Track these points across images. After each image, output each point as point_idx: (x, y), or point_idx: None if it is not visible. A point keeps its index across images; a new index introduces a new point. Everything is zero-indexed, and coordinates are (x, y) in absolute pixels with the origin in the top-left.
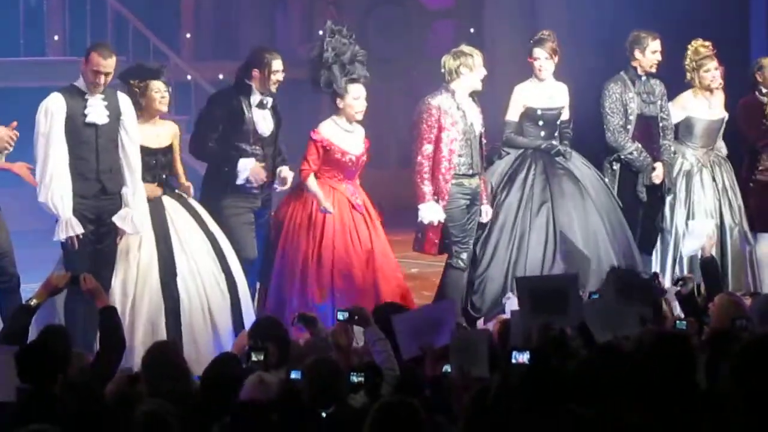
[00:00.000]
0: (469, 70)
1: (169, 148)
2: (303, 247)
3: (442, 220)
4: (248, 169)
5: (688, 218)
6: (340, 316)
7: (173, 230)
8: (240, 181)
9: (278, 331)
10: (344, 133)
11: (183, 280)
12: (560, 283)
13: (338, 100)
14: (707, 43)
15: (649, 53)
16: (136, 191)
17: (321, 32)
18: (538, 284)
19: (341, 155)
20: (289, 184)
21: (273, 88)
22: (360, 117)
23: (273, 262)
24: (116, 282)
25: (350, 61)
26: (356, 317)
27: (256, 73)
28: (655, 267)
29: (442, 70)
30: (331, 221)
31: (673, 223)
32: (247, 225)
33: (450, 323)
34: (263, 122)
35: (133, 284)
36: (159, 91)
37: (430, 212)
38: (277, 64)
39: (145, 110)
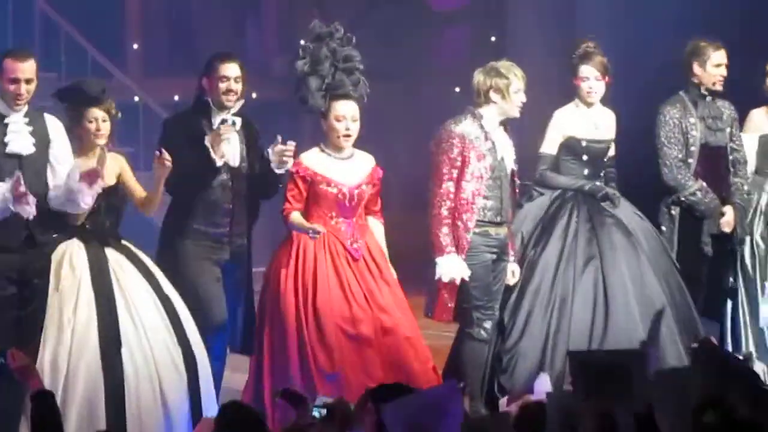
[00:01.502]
0: (501, 97)
1: (115, 188)
2: (293, 306)
3: (466, 278)
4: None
5: None
6: (316, 412)
7: (118, 290)
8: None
9: (250, 420)
10: (333, 162)
11: (129, 351)
12: (624, 360)
13: (322, 122)
14: None
15: (711, 67)
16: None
17: (305, 38)
18: (596, 360)
19: (327, 185)
20: (288, 161)
21: (225, 101)
22: (346, 143)
23: (264, 332)
24: (45, 354)
25: (332, 72)
26: (336, 415)
27: (205, 82)
28: (728, 339)
29: (473, 87)
30: (323, 272)
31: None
32: (213, 283)
33: (456, 410)
34: (229, 147)
35: (66, 356)
36: (94, 120)
37: (451, 267)
38: (226, 69)
39: (78, 141)
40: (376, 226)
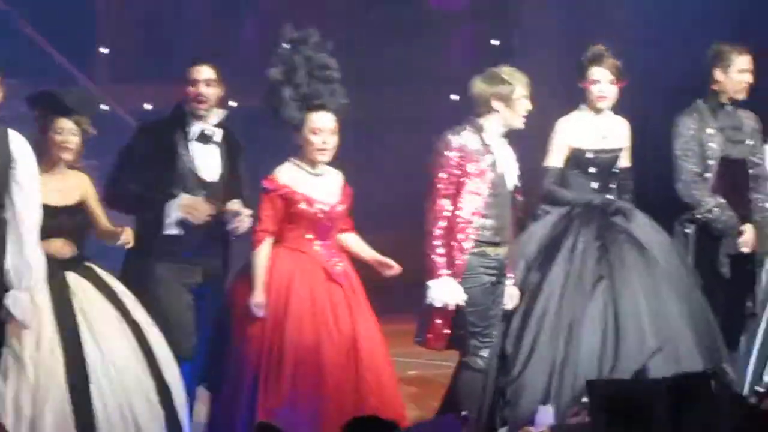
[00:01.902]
0: (504, 105)
1: (78, 208)
2: (258, 335)
3: (461, 302)
4: (177, 205)
5: None
6: None
7: (82, 320)
8: (168, 229)
9: None
10: (309, 178)
11: (98, 387)
12: (642, 391)
13: (297, 135)
14: None
15: (735, 74)
16: (30, 266)
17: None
18: (618, 391)
19: (307, 204)
20: (245, 225)
21: (196, 108)
22: (323, 157)
23: (224, 361)
24: (7, 394)
25: (307, 81)
26: None
27: (182, 90)
28: (746, 369)
29: (473, 96)
30: (297, 300)
31: None
32: (184, 312)
33: None
34: (206, 161)
35: (29, 397)
36: (61, 131)
37: (445, 291)
38: (196, 72)
39: (44, 153)
40: (354, 239)
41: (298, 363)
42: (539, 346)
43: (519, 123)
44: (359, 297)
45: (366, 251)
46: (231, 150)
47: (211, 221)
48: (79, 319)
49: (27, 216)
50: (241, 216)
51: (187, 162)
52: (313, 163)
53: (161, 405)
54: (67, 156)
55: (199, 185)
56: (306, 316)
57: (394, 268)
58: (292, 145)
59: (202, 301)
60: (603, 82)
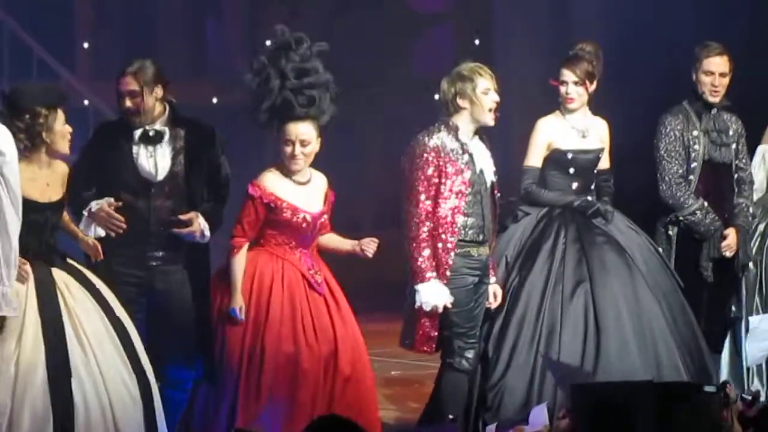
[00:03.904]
0: (469, 102)
1: (61, 203)
2: (239, 339)
3: (449, 305)
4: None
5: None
6: None
7: (66, 315)
8: (91, 232)
9: None
10: (294, 186)
11: (79, 381)
12: (627, 395)
13: (278, 141)
14: None
15: (701, 74)
16: (10, 262)
17: (267, 42)
18: (602, 395)
19: (291, 214)
20: (197, 230)
21: (130, 121)
22: (295, 167)
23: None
24: None
25: (279, 92)
26: None
27: None
28: (726, 373)
29: (440, 97)
30: (278, 304)
31: (753, 311)
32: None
33: None
34: (149, 162)
35: (9, 389)
36: (66, 124)
37: (433, 294)
38: (120, 85)
39: (37, 150)
40: (331, 236)
41: (277, 369)
42: (519, 351)
43: (487, 119)
44: (340, 304)
45: (345, 243)
46: (191, 146)
47: (158, 227)
48: (64, 314)
49: (9, 211)
50: (193, 224)
51: (131, 163)
52: (292, 171)
53: (142, 403)
54: (68, 149)
55: (143, 185)
56: (286, 322)
57: (375, 240)
58: (275, 143)
59: (152, 303)
60: (569, 83)
